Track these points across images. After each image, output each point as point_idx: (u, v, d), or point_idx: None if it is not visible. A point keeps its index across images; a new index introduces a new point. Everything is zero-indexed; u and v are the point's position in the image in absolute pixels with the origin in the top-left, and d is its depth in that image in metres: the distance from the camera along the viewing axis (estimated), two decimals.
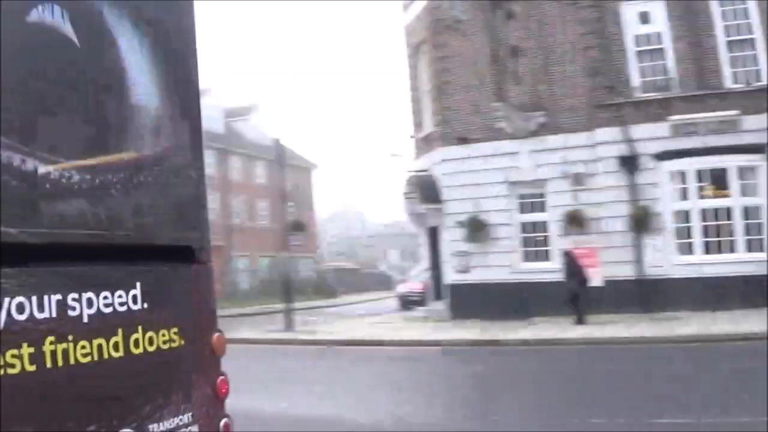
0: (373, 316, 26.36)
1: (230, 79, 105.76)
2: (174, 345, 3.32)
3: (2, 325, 2.43)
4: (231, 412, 3.72)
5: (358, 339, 18.26)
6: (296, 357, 16.07)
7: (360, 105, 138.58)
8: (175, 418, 3.26)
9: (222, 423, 3.59)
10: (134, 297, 3.09)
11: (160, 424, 3.15)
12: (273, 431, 7.85)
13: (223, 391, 3.64)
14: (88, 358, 2.80)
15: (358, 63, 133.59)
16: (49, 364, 2.61)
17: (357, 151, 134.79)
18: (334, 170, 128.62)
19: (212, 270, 3.76)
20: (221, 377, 3.64)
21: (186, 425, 3.32)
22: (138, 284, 3.13)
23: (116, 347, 2.96)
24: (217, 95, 40.95)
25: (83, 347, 2.78)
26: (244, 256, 40.14)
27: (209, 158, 37.74)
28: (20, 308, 2.52)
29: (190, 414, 3.36)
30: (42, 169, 2.68)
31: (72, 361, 2.72)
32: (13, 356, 2.46)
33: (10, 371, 2.44)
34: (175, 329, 3.33)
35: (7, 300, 2.47)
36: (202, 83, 3.89)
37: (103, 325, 2.90)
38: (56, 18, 2.80)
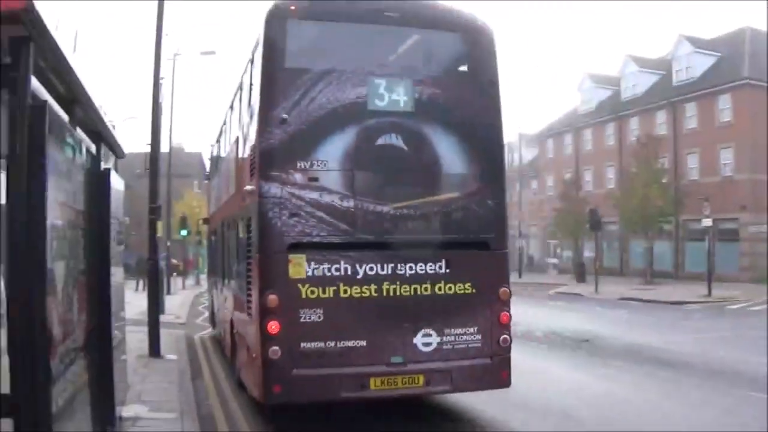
0: None
1: None
2: (467, 292, 6.44)
3: (361, 275, 6.09)
4: None
5: None
6: None
7: None
8: (463, 328, 6.41)
9: (501, 338, 6.53)
10: (440, 266, 6.36)
11: (452, 329, 6.37)
12: None
13: (504, 320, 6.54)
14: (407, 293, 6.25)
15: None
16: (384, 294, 6.17)
17: None
18: None
19: (506, 253, 6.68)
20: (504, 312, 6.55)
21: (472, 334, 6.43)
22: (444, 260, 6.37)
23: (426, 289, 6.31)
24: None
25: (405, 288, 6.24)
26: None
27: None
28: (371, 269, 6.12)
29: (476, 327, 6.45)
30: (385, 209, 6.20)
31: (398, 294, 6.22)
32: (365, 289, 6.11)
33: (363, 295, 6.11)
34: (469, 284, 6.44)
35: (364, 265, 6.10)
36: None
37: (417, 279, 6.27)
38: (392, 140, 6.24)
